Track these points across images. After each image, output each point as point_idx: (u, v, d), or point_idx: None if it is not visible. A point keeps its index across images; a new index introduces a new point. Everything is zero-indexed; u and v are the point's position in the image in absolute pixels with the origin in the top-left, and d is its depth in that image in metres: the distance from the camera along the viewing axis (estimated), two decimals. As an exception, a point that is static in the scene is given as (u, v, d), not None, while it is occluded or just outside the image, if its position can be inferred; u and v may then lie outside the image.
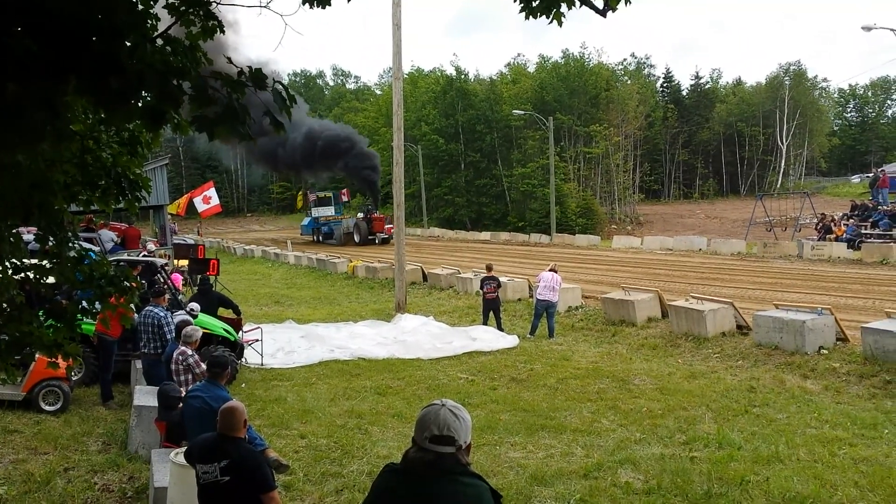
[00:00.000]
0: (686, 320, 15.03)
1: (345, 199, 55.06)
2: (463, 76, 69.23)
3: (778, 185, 74.00)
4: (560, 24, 4.16)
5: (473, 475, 2.99)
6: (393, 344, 15.72)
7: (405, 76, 50.02)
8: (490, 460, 8.09)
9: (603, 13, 4.11)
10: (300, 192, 67.83)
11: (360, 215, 50.69)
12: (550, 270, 16.50)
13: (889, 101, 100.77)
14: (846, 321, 13.55)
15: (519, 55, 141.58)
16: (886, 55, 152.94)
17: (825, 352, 12.53)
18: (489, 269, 17.81)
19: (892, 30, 27.37)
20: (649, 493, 6.92)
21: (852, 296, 18.36)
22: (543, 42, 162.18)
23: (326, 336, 16.35)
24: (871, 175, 49.72)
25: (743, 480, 7.07)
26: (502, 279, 19.44)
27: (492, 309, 17.20)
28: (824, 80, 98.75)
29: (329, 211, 53.30)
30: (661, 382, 11.70)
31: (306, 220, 55.60)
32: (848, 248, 28.68)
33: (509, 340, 15.72)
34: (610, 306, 17.38)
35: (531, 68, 74.98)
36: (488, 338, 15.86)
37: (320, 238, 52.47)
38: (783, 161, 78.88)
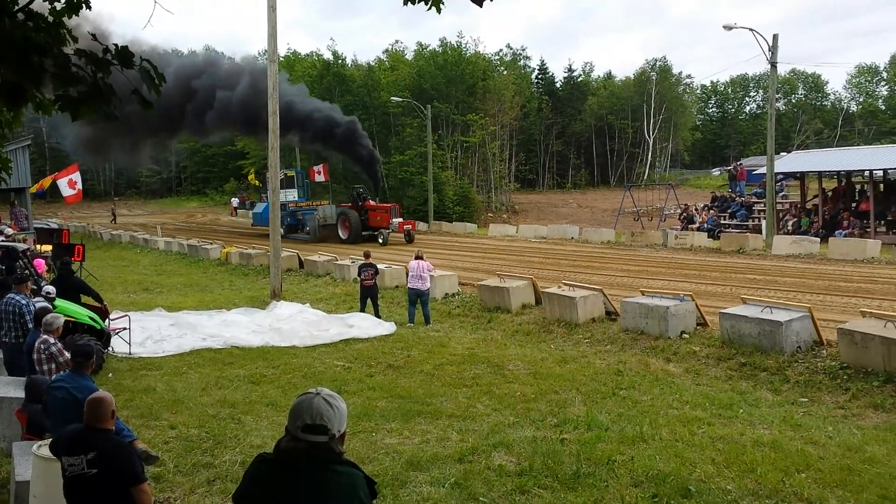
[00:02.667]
0: (559, 307, 15.45)
1: (320, 177, 43.92)
2: (340, 61, 68.48)
3: (645, 177, 77.02)
4: (439, 10, 4.18)
5: (347, 463, 2.99)
6: (268, 332, 15.43)
7: (281, 59, 48.74)
8: (366, 447, 8.08)
9: (479, 2, 4.15)
10: (250, 171, 60.96)
11: (349, 203, 39.43)
12: (417, 258, 16.54)
13: (747, 98, 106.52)
14: (706, 307, 14.27)
15: (397, 42, 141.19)
16: (746, 53, 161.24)
17: (687, 336, 13.18)
18: (367, 255, 17.74)
19: (751, 29, 28.85)
20: (521, 475, 7.09)
21: (711, 283, 19.37)
22: (422, 29, 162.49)
23: (198, 324, 15.88)
24: (730, 168, 52.56)
25: (609, 460, 7.34)
26: (380, 266, 19.43)
27: (369, 296, 17.16)
28: (688, 76, 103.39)
29: (292, 194, 42.24)
30: (534, 367, 11.99)
31: (261, 207, 43.49)
32: (708, 238, 30.27)
33: (386, 327, 15.73)
34: (486, 293, 17.66)
35: (409, 56, 74.97)
36: (365, 325, 15.81)
37: (282, 231, 43.68)
38: (650, 154, 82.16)
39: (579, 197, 72.20)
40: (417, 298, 16.40)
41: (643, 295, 14.62)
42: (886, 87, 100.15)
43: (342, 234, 37.75)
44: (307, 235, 39.19)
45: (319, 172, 43.75)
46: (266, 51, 19.09)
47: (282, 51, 71.06)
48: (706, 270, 22.17)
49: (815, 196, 35.31)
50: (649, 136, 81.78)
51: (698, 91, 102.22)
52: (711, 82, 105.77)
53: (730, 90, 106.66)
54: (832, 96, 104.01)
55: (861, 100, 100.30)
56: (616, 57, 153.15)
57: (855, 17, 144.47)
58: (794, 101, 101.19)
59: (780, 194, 38.03)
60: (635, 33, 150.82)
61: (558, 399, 10.08)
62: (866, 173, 33.64)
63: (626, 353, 12.92)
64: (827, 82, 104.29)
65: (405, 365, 12.45)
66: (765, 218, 31.81)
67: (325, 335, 15.04)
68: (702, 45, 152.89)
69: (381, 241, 35.61)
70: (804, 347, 11.49)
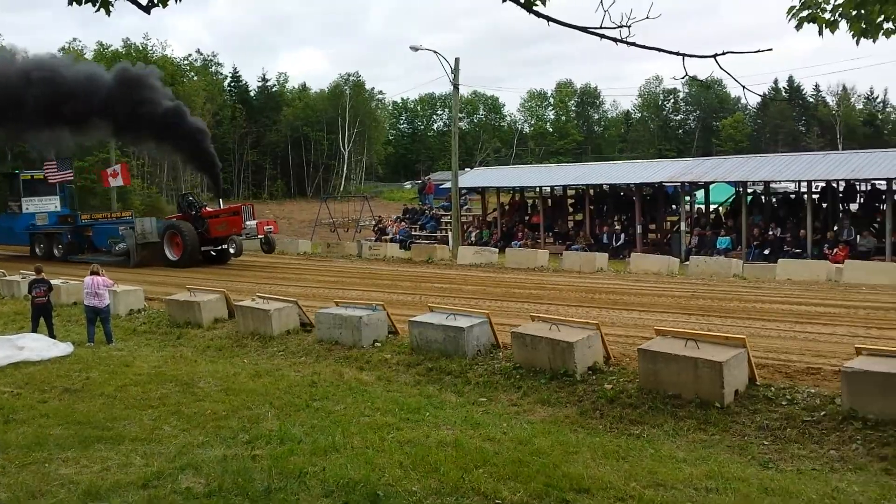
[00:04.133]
0: (252, 320, 15.21)
1: (116, 182, 35.90)
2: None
3: (341, 189, 78.53)
4: (108, 12, 3.95)
5: None
6: (-85, 360, 13.47)
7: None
8: (38, 480, 7.36)
9: (146, 9, 4.00)
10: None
11: (179, 214, 30.80)
12: (92, 274, 15.41)
13: (435, 116, 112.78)
14: (397, 315, 14.82)
15: (75, 40, 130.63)
16: (433, 73, 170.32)
17: (379, 344, 13.59)
18: (38, 271, 16.18)
19: (435, 52, 30.61)
20: (210, 496, 6.86)
21: (403, 292, 20.18)
22: (107, 28, 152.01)
23: None
24: (419, 182, 55.23)
25: (301, 472, 7.35)
26: (55, 282, 17.83)
27: (42, 315, 15.64)
28: (380, 92, 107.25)
29: (51, 204, 34.11)
30: (226, 383, 11.67)
31: (15, 220, 33.96)
32: (400, 248, 31.54)
33: (62, 348, 14.42)
34: (175, 308, 16.90)
35: (89, 55, 69.76)
36: (38, 346, 14.37)
37: (59, 252, 32.10)
38: (345, 166, 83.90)
39: (276, 207, 71.67)
40: (96, 316, 15.28)
41: (338, 305, 14.85)
42: (553, 111, 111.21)
43: (171, 254, 28.85)
44: (119, 258, 29.73)
45: (115, 175, 35.16)
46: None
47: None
48: (398, 280, 23.07)
49: (495, 209, 38.20)
50: (344, 149, 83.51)
51: (390, 107, 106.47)
52: (402, 99, 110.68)
53: (419, 108, 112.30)
54: (508, 118, 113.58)
55: (532, 122, 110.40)
56: (311, 69, 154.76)
57: (527, 46, 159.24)
58: (475, 120, 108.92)
59: (465, 207, 40.67)
60: (331, 48, 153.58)
61: (251, 415, 9.90)
62: (537, 189, 37.11)
63: (321, 364, 13.03)
64: (504, 105, 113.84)
65: (84, 388, 11.51)
66: (451, 230, 33.86)
67: (-12, 360, 13.44)
68: (393, 63, 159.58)
69: (232, 251, 28.22)
70: (483, 351, 12.35)
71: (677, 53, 4.75)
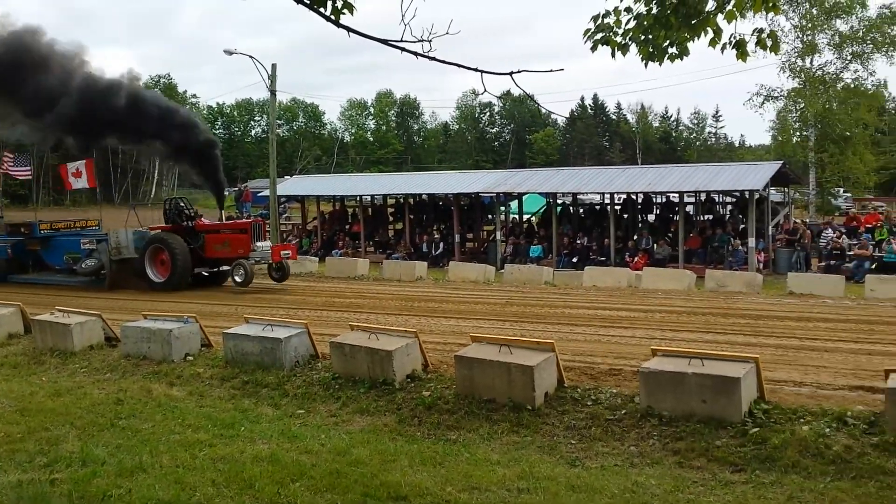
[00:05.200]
0: (52, 335, 14.23)
1: (80, 183, 28.87)
2: None
3: (152, 195, 75.05)
4: None
5: None
6: None
7: None
8: None
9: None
10: None
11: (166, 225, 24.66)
12: None
13: (252, 122, 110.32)
14: (212, 327, 14.35)
15: None
16: (250, 78, 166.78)
17: (191, 358, 13.09)
18: None
19: (251, 56, 30.01)
20: (1, 528, 6.36)
21: (219, 303, 19.60)
22: None
23: None
24: (236, 189, 53.79)
25: (105, 496, 6.97)
26: None
27: None
28: (194, 95, 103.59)
29: None
30: (21, 403, 10.85)
31: None
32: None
33: None
34: (-38, 324, 15.51)
35: None
36: None
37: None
38: (157, 171, 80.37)
39: (80, 215, 67.28)
40: None
41: (146, 318, 14.17)
42: (373, 120, 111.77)
43: (154, 274, 22.80)
44: (85, 278, 23.86)
45: (78, 174, 28.47)
46: None
47: None
48: (214, 291, 22.35)
49: (315, 218, 37.89)
50: (154, 155, 79.89)
51: (205, 112, 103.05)
52: (217, 104, 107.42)
53: (236, 113, 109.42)
54: (329, 126, 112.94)
55: (353, 131, 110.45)
56: (119, 70, 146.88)
57: (347, 54, 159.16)
58: (295, 127, 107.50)
59: (284, 216, 40.05)
60: (139, 48, 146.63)
61: (50, 436, 9.26)
62: (358, 198, 37.16)
63: (128, 381, 12.37)
64: (324, 112, 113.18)
65: None
66: (269, 238, 33.20)
67: None
68: (207, 67, 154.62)
69: (238, 280, 21.87)
70: (302, 362, 12.18)
71: (475, 69, 4.91)
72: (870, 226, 26.00)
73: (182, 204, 25.03)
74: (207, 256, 23.10)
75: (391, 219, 37.37)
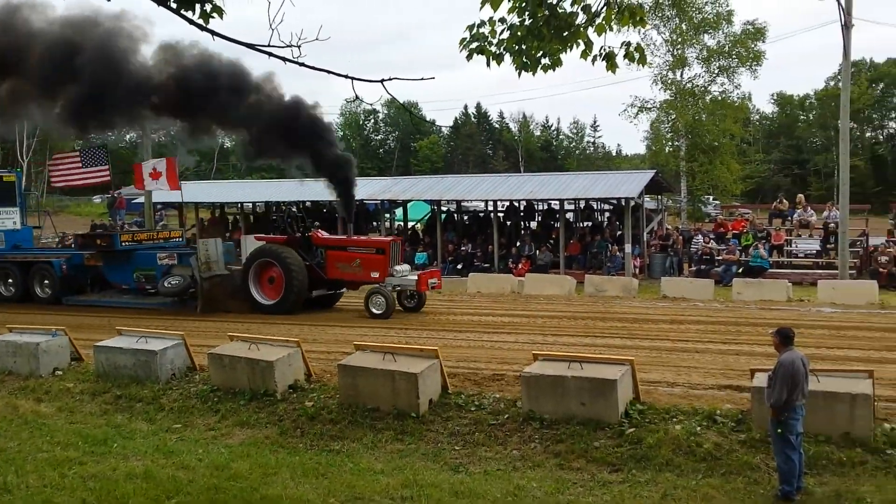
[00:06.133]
0: None
1: (159, 186, 23.36)
2: None
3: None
4: None
5: None
6: None
7: None
8: None
9: None
10: None
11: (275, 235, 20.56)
12: None
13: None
14: (83, 340, 13.71)
15: None
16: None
17: (60, 373, 12.49)
18: None
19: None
20: None
21: (87, 315, 18.72)
22: None
23: None
24: (109, 196, 51.68)
25: (-37, 523, 6.55)
26: None
27: None
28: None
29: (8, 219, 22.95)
30: None
31: None
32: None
33: None
34: None
35: None
36: None
37: (44, 292, 21.27)
38: (24, 177, 76.31)
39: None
40: None
41: (12, 332, 13.42)
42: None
43: (260, 294, 18.70)
44: (167, 300, 19.46)
45: (157, 175, 22.55)
46: None
47: None
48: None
49: (193, 225, 36.80)
50: (23, 159, 75.89)
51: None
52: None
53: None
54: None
55: (234, 136, 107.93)
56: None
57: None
58: (173, 132, 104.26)
59: (160, 223, 38.72)
60: None
61: None
62: (239, 205, 36.40)
63: (-8, 397, 11.69)
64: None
65: None
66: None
67: None
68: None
69: (375, 311, 17.53)
70: (179, 374, 11.81)
71: (345, 76, 4.89)
72: (737, 231, 27.25)
73: (295, 211, 20.95)
74: (328, 277, 18.81)
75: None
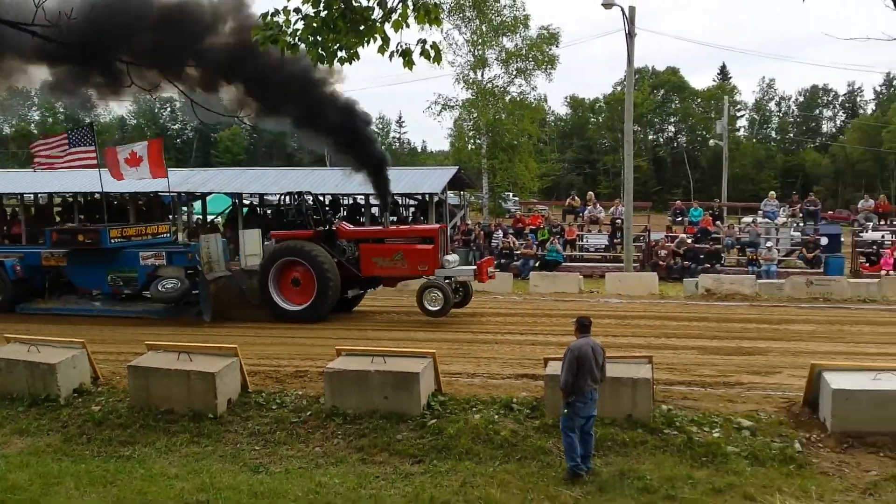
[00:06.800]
0: None
1: (135, 172, 18.49)
2: None
3: None
4: None
5: None
6: None
7: None
8: None
9: None
10: None
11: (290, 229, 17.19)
12: None
13: None
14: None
15: None
16: None
17: None
18: None
19: None
20: None
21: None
22: None
23: None
24: None
25: None
26: None
27: None
28: None
29: None
30: None
31: None
32: None
33: None
34: None
35: None
36: None
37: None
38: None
39: None
40: None
41: None
42: (38, 111, 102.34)
43: (283, 299, 16.26)
44: (160, 307, 16.80)
45: (136, 161, 18.71)
46: None
47: None
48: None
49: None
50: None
51: None
52: None
53: None
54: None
55: (15, 122, 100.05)
56: None
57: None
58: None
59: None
60: None
61: None
62: (18, 196, 33.67)
63: None
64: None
65: None
66: None
67: None
68: None
69: (431, 307, 15.37)
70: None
71: (123, 61, 4.61)
72: (534, 227, 28.57)
73: (309, 199, 17.71)
74: (364, 275, 16.45)
75: (58, 219, 34.16)
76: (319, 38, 5.07)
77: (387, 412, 9.05)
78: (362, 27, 5.08)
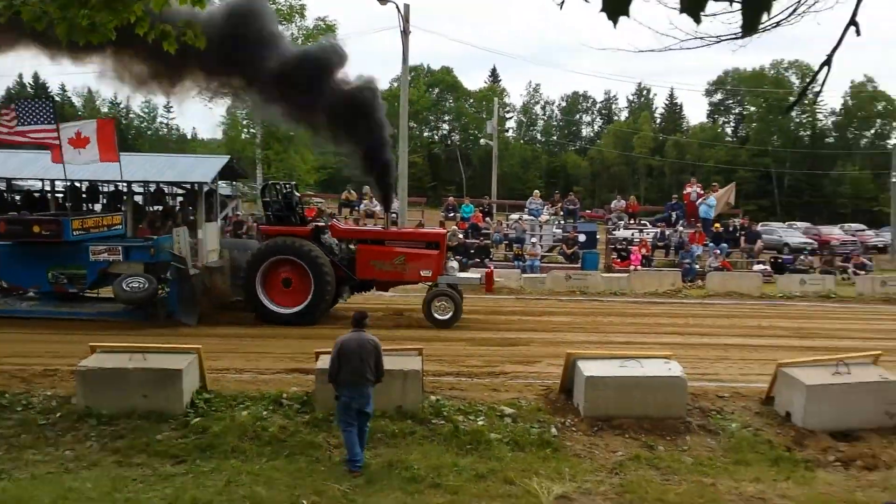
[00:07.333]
0: None
1: (85, 155, 15.45)
2: None
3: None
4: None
5: None
6: None
7: None
8: None
9: None
10: None
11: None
12: None
13: None
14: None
15: None
16: None
17: None
18: None
19: None
20: None
21: None
22: None
23: None
24: None
25: None
26: None
27: None
28: None
29: None
30: None
31: None
32: None
33: None
34: None
35: None
36: None
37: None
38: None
39: None
40: None
41: None
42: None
43: (270, 300, 14.81)
44: (122, 311, 14.69)
45: (82, 141, 16.03)
46: None
47: None
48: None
49: None
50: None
51: None
52: None
53: None
54: None
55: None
56: None
57: None
58: None
59: None
60: None
61: None
62: None
63: None
64: None
65: None
66: None
67: None
68: None
69: (440, 317, 14.65)
70: None
71: None
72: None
73: (289, 190, 16.63)
74: (358, 277, 15.49)
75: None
76: (68, 14, 4.68)
77: (146, 411, 8.62)
78: (117, 4, 4.75)
